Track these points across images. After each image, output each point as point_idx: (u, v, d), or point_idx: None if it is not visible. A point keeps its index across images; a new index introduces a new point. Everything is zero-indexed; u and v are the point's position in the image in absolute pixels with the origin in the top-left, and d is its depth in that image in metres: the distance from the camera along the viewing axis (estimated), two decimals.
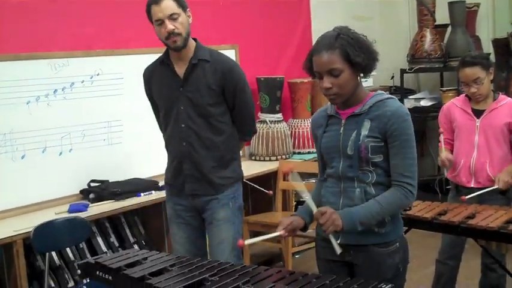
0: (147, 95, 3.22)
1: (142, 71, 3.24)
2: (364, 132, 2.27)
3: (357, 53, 2.21)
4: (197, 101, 3.00)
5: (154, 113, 3.26)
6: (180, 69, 3.03)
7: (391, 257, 2.29)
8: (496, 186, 3.33)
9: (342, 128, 2.33)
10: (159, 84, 3.10)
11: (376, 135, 2.26)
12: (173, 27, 2.90)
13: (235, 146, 3.18)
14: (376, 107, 2.29)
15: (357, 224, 2.22)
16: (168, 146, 3.17)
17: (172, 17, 2.90)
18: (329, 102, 2.43)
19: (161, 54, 3.12)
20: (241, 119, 3.16)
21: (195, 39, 3.06)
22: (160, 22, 2.91)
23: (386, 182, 2.31)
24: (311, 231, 2.57)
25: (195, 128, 3.02)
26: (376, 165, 2.28)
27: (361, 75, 2.30)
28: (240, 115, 3.14)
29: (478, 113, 3.46)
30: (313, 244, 4.31)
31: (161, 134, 3.21)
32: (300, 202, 5.22)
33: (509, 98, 3.52)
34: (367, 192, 2.29)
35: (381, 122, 2.25)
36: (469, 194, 3.37)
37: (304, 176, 5.02)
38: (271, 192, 4.25)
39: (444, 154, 3.50)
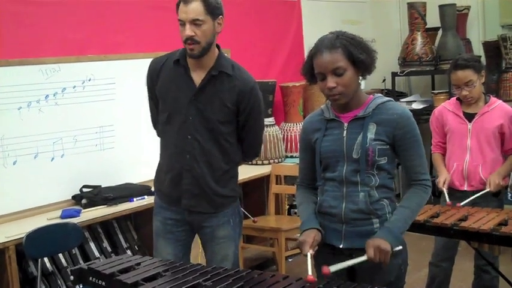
0: (148, 87, 2.95)
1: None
2: (371, 135, 2.28)
3: (359, 51, 2.23)
4: (208, 115, 2.78)
5: (150, 106, 3.01)
6: (197, 77, 2.79)
7: (395, 258, 2.29)
8: (487, 190, 3.35)
9: (345, 132, 2.32)
10: (168, 83, 2.84)
11: (383, 138, 2.28)
12: (192, 34, 2.66)
13: (236, 165, 2.98)
14: (379, 110, 2.30)
15: (399, 236, 2.26)
16: (165, 151, 2.93)
17: (194, 22, 2.65)
18: (322, 106, 2.43)
19: (177, 51, 2.86)
20: (249, 141, 2.95)
21: (218, 47, 2.82)
22: (182, 23, 2.68)
23: (389, 184, 2.34)
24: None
25: (201, 140, 2.81)
26: (380, 168, 2.30)
27: (360, 77, 2.31)
28: (249, 137, 2.93)
29: (469, 117, 3.48)
30: None
31: (152, 139, 3.11)
32: (292, 206, 5.24)
33: (500, 101, 3.54)
34: (371, 195, 2.30)
35: (388, 126, 2.28)
36: (462, 197, 3.38)
37: (297, 180, 5.03)
38: (256, 219, 4.31)
39: (444, 177, 3.50)
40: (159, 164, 3.00)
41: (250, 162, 5.09)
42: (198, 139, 2.81)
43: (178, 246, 2.94)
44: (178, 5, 2.71)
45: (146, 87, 2.99)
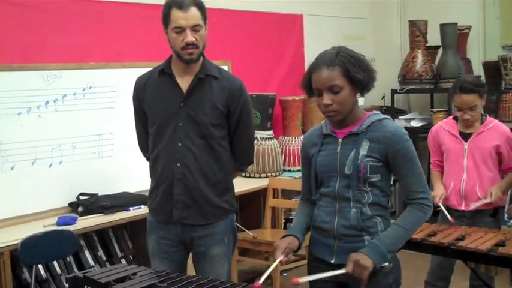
0: (135, 106, 2.92)
1: None
2: (363, 152, 2.28)
3: (357, 70, 2.23)
4: (199, 118, 2.73)
5: (138, 129, 2.98)
6: (184, 83, 2.76)
7: (386, 277, 2.29)
8: (488, 200, 3.35)
9: (339, 147, 2.33)
10: (155, 95, 2.81)
11: (376, 155, 2.27)
12: (194, 39, 2.67)
13: (230, 175, 2.91)
14: (374, 127, 2.30)
15: (386, 254, 2.22)
16: (156, 167, 2.84)
17: (195, 28, 2.67)
18: (322, 122, 2.44)
19: (160, 63, 2.84)
20: (241, 146, 2.89)
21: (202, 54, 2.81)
22: (180, 30, 2.66)
23: (383, 202, 2.33)
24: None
25: (193, 148, 2.74)
26: (373, 185, 2.29)
27: (358, 94, 2.32)
28: (241, 141, 2.88)
29: (465, 136, 3.48)
30: (301, 262, 4.30)
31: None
32: (289, 220, 5.23)
33: (496, 121, 3.54)
34: (363, 212, 2.29)
35: (381, 143, 2.27)
36: (460, 216, 3.40)
37: (294, 194, 5.03)
38: (256, 236, 4.25)
39: (439, 192, 3.51)
40: (150, 186, 2.91)
41: (247, 175, 5.10)
42: (189, 146, 2.75)
43: (172, 266, 2.84)
44: (168, 13, 2.69)
45: (133, 108, 2.95)
